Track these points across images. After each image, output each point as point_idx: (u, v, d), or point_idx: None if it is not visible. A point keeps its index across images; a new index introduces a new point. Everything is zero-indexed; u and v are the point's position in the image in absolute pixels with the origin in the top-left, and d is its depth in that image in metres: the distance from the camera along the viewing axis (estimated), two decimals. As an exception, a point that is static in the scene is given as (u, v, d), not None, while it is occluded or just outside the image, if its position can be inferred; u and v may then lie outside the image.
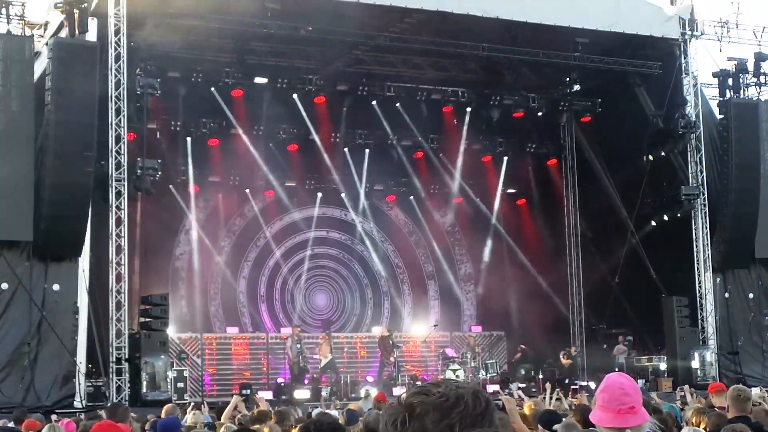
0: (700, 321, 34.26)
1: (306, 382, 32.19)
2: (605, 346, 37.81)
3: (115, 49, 27.98)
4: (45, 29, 29.39)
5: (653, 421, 6.36)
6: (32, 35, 28.79)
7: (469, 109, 37.55)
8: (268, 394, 27.63)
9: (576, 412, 11.70)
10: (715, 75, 34.96)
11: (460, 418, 3.05)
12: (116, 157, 28.01)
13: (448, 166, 39.67)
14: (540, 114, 38.13)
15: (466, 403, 3.08)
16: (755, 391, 17.71)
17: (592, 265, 39.79)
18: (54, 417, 19.02)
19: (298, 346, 33.21)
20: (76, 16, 26.79)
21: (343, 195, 39.85)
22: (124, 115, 28.10)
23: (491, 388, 30.87)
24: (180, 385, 29.25)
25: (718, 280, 34.61)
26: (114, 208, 27.95)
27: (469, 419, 3.06)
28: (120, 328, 27.65)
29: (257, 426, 12.46)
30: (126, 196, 28.12)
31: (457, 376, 32.83)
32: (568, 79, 38.32)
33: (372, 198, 40.89)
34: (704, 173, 34.55)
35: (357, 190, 40.11)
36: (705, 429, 10.54)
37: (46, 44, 27.60)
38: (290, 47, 33.09)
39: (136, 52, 29.93)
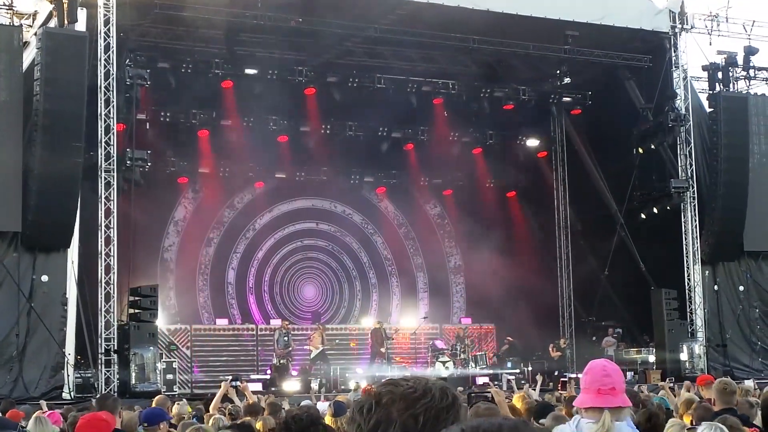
0: (688, 313, 34.32)
1: (295, 374, 32.17)
2: (594, 338, 37.87)
3: (105, 40, 27.92)
4: (34, 19, 29.33)
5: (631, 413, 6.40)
6: (21, 25, 28.74)
7: (459, 101, 37.49)
8: (258, 386, 27.62)
9: (566, 405, 11.72)
10: (704, 68, 35.01)
11: (425, 409, 3.11)
12: (105, 148, 27.97)
13: (438, 158, 39.64)
14: (530, 106, 38.14)
15: (432, 396, 3.15)
16: (749, 384, 17.79)
17: (581, 258, 39.85)
18: (43, 403, 19.01)
19: (286, 339, 33.18)
20: (65, 5, 26.71)
21: (332, 186, 39.85)
22: (113, 106, 28.04)
23: (481, 380, 30.90)
24: (169, 376, 29.23)
25: (707, 272, 34.69)
26: (103, 199, 27.90)
27: (434, 411, 3.12)
28: (109, 320, 27.63)
29: (248, 418, 12.45)
30: (115, 187, 28.06)
31: (446, 368, 32.92)
32: (558, 71, 38.32)
33: (362, 190, 40.92)
34: (693, 166, 34.60)
35: (347, 181, 40.14)
36: (691, 422, 10.56)
37: (35, 34, 27.52)
38: (280, 38, 32.99)
39: (125, 42, 29.88)
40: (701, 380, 15.36)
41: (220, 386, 16.63)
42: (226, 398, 16.66)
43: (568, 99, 38.70)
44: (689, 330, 34.23)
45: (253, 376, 32.06)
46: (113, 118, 28.09)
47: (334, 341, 35.65)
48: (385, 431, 3.12)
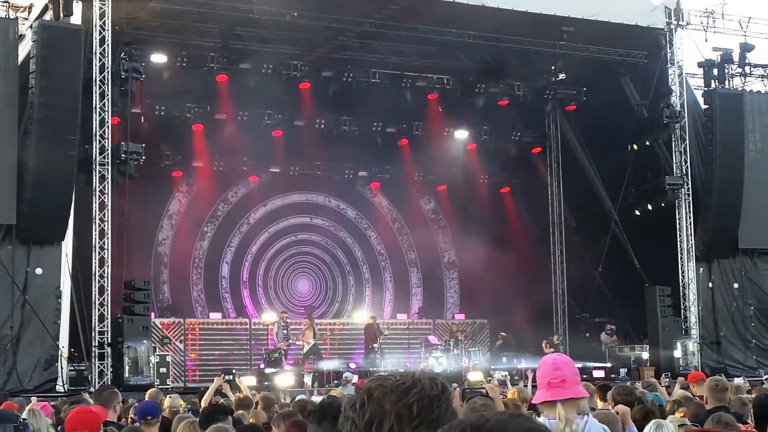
0: (682, 310, 34.35)
1: (288, 368, 32.16)
2: (588, 334, 37.89)
3: (100, 33, 27.90)
4: (29, 12, 29.30)
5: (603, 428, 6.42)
6: (16, 18, 28.72)
7: (454, 97, 37.49)
8: (251, 380, 27.61)
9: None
10: (700, 65, 35.04)
11: (417, 398, 3.16)
12: (100, 141, 27.95)
13: (432, 154, 39.65)
14: (525, 102, 38.13)
15: (423, 385, 3.20)
16: (738, 381, 17.81)
17: (575, 254, 39.87)
18: (34, 398, 19.00)
19: (285, 332, 33.20)
20: (61, -2, 26.71)
21: (327, 181, 39.82)
22: (108, 99, 28.04)
23: (474, 375, 30.87)
24: (162, 370, 29.21)
25: (702, 269, 34.70)
26: (97, 192, 27.89)
27: (426, 399, 3.16)
28: (103, 313, 27.64)
29: (241, 412, 12.45)
30: (109, 180, 28.05)
31: (440, 364, 32.90)
32: (553, 67, 38.35)
33: (356, 184, 40.89)
34: (688, 163, 34.60)
35: (341, 176, 40.11)
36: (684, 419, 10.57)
37: (31, 27, 27.50)
38: (275, 33, 32.97)
39: (120, 35, 29.83)
40: (692, 377, 15.37)
41: (213, 380, 16.63)
42: (218, 392, 16.66)
43: (563, 95, 38.68)
44: (683, 327, 34.26)
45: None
46: (108, 111, 28.08)
47: (327, 336, 35.66)
48: (380, 424, 3.15)
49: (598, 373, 31.85)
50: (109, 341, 27.69)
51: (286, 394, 20.34)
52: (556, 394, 6.01)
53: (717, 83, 34.66)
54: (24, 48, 27.52)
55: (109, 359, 27.60)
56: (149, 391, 16.18)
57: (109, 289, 27.87)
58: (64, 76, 26.72)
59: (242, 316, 37.52)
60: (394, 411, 3.12)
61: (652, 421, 8.97)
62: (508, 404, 11.68)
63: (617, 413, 8.51)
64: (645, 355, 34.38)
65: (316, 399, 16.39)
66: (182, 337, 34.48)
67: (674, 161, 34.74)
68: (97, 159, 27.90)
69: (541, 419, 6.10)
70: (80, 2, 27.69)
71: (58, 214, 27.15)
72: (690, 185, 34.51)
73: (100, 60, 27.95)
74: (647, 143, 35.42)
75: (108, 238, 27.99)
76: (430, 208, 42.71)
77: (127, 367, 27.83)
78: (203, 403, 15.24)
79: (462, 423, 2.85)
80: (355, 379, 26.99)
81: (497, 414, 2.84)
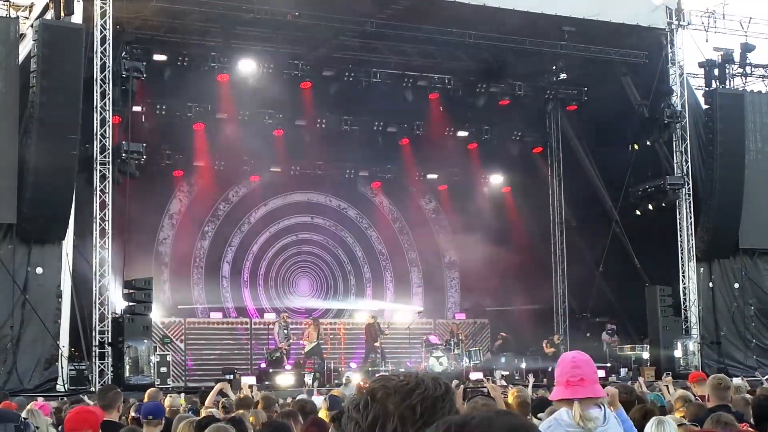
0: (683, 310, 34.34)
1: (289, 368, 32.18)
2: (588, 334, 37.84)
3: (101, 32, 27.88)
4: (30, 11, 29.30)
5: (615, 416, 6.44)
6: (17, 17, 28.71)
7: (455, 97, 37.47)
8: (252, 380, 27.60)
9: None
10: (701, 65, 35.02)
11: (421, 399, 3.14)
12: (101, 141, 27.94)
13: (433, 153, 39.64)
14: (526, 102, 38.14)
15: (426, 386, 3.18)
16: (737, 381, 17.80)
17: (576, 254, 39.84)
18: (41, 399, 19.03)
19: (285, 332, 33.21)
20: (62, -3, 26.71)
21: (327, 181, 39.83)
22: (109, 98, 28.02)
23: (475, 375, 30.89)
24: (163, 369, 29.21)
25: (702, 269, 34.69)
26: (98, 192, 27.88)
27: (430, 400, 3.15)
28: (103, 312, 27.62)
29: (242, 411, 12.45)
30: (110, 179, 28.03)
31: (440, 363, 32.90)
32: (554, 67, 38.31)
33: (357, 184, 40.91)
34: (689, 163, 34.58)
35: (342, 176, 40.12)
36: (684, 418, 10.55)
37: (32, 26, 27.49)
38: (277, 32, 32.99)
39: (121, 35, 29.85)
40: (693, 377, 15.35)
41: (215, 380, 16.63)
42: (220, 392, 16.66)
43: (563, 95, 38.69)
44: (683, 327, 34.25)
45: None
46: (109, 110, 28.07)
47: (328, 335, 35.68)
48: (383, 425, 3.13)
49: (599, 373, 31.76)
50: (110, 341, 27.69)
51: (279, 397, 20.30)
52: (574, 392, 6.05)
53: (718, 83, 34.66)
54: (25, 47, 27.51)
55: (110, 359, 27.60)
56: (149, 390, 16.17)
57: (110, 288, 27.87)
58: (65, 75, 26.70)
59: (243, 315, 37.51)
60: (398, 412, 3.11)
61: (653, 417, 8.96)
62: (512, 404, 11.68)
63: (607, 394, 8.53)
64: (645, 355, 34.37)
65: (317, 399, 16.39)
66: (183, 337, 34.47)
67: (675, 161, 34.73)
68: (98, 158, 27.90)
69: (562, 411, 6.13)
70: (81, 1, 27.67)
71: (58, 213, 27.14)
72: (690, 185, 34.49)
73: (101, 59, 27.94)
74: (648, 143, 35.41)
75: (108, 237, 27.98)
76: (430, 208, 42.73)
77: (127, 367, 27.80)
78: (206, 405, 15.26)
79: (447, 421, 2.85)
80: (356, 378, 26.99)
81: (484, 411, 2.84)
